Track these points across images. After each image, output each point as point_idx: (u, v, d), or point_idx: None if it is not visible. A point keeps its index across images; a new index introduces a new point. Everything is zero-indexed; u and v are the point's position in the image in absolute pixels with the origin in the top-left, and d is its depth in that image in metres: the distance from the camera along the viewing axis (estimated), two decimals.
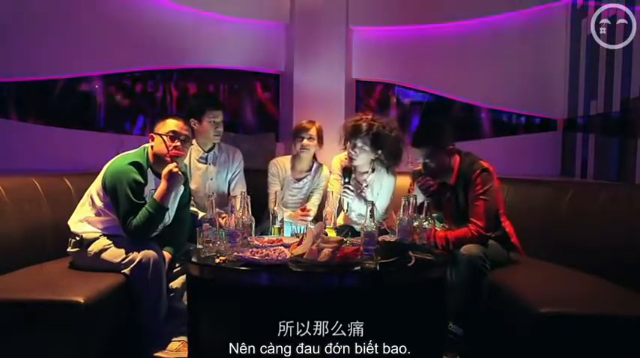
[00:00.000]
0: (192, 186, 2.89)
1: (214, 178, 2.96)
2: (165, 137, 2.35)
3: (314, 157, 3.12)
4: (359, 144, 2.74)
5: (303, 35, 3.56)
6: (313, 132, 3.01)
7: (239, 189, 2.89)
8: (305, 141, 3.01)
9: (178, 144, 2.36)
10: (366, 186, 2.87)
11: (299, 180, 3.12)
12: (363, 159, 2.79)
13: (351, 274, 1.90)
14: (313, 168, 3.12)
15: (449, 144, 2.47)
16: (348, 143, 2.78)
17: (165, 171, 2.28)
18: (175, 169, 2.27)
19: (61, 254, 2.41)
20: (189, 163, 2.90)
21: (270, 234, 2.46)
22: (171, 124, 2.38)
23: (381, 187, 2.86)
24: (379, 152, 2.78)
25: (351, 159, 2.80)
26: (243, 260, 1.91)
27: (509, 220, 2.53)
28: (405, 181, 2.90)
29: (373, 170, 2.87)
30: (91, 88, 3.38)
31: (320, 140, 3.05)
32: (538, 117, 3.85)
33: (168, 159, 2.34)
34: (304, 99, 3.57)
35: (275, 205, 2.76)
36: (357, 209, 2.79)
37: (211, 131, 2.88)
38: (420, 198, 2.49)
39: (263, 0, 3.67)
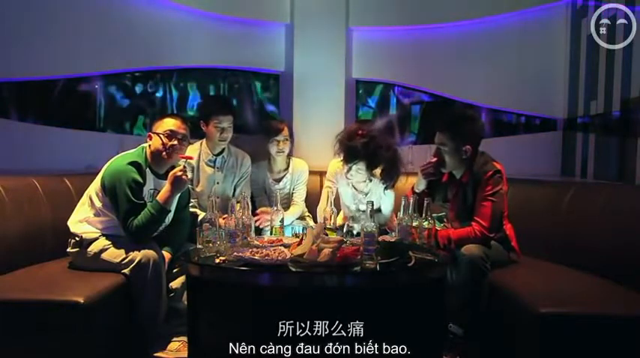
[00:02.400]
0: (198, 188, 2.90)
1: (221, 182, 2.97)
2: (162, 136, 2.35)
3: (288, 155, 3.16)
4: (354, 168, 2.69)
5: (303, 35, 3.56)
6: (286, 132, 3.05)
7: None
8: (281, 144, 3.03)
9: (175, 143, 2.36)
10: (365, 194, 2.85)
11: (278, 180, 3.15)
12: (359, 178, 2.77)
13: (351, 274, 1.90)
14: (290, 166, 3.15)
15: (470, 142, 2.42)
16: (343, 163, 2.73)
17: (170, 174, 2.29)
18: (180, 173, 2.28)
19: (61, 254, 2.41)
20: (197, 165, 2.90)
21: (270, 234, 2.47)
22: (169, 123, 2.39)
23: (382, 198, 2.85)
24: (375, 171, 2.74)
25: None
26: (243, 260, 1.91)
27: (511, 223, 2.53)
28: (405, 182, 2.90)
29: (371, 179, 2.83)
30: (91, 88, 3.37)
31: (291, 137, 3.10)
32: (538, 117, 3.85)
33: (165, 157, 2.34)
34: (304, 99, 3.57)
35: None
36: (350, 203, 2.77)
37: (216, 136, 2.89)
38: (421, 184, 2.50)
39: (263, 0, 3.67)
